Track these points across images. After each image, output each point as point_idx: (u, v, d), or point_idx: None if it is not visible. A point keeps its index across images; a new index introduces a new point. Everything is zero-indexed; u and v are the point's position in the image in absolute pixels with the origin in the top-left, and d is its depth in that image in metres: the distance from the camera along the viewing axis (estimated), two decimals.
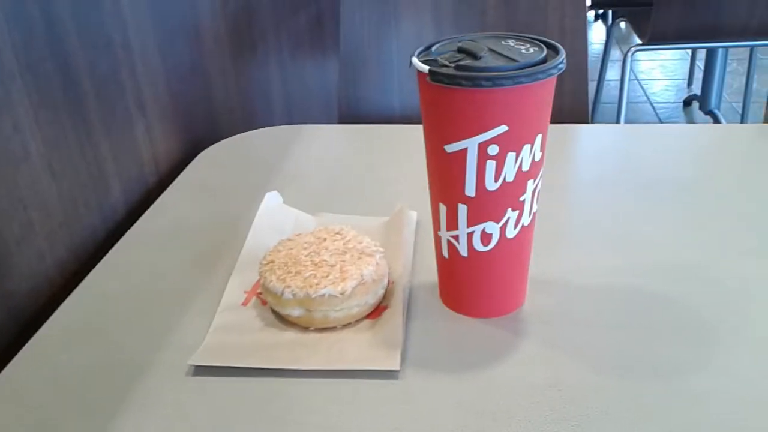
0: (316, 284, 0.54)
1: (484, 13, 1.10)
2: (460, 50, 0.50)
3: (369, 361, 0.52)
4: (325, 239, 0.59)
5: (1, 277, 0.60)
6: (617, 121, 2.15)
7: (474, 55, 0.49)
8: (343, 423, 0.47)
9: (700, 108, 2.75)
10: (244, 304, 0.59)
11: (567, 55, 0.50)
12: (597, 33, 4.00)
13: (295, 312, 0.55)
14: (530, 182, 0.52)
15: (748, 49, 2.57)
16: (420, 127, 0.54)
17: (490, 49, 0.50)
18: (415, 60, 0.50)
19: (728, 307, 0.57)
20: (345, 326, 0.56)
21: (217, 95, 1.04)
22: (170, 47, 0.89)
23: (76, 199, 0.69)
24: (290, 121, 1.37)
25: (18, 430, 0.48)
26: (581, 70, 1.09)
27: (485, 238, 0.53)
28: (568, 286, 0.61)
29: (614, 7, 2.60)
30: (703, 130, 0.93)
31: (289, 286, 0.54)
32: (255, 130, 0.97)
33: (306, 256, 0.57)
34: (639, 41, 2.00)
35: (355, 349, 0.53)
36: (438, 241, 0.56)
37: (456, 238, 0.54)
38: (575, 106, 1.10)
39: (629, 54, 2.03)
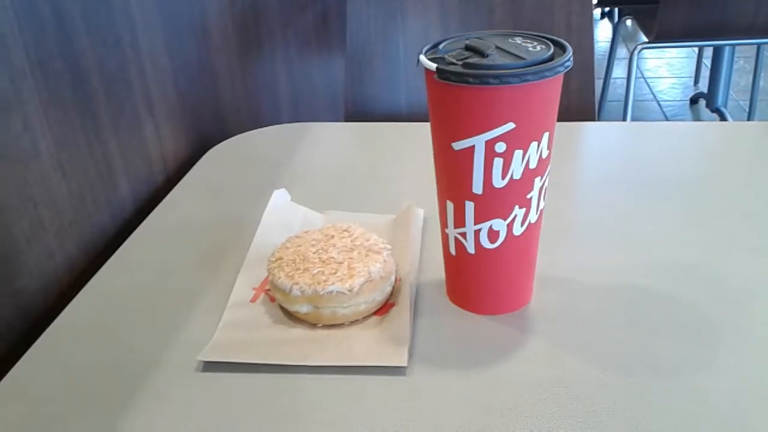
0: (324, 281, 0.54)
1: (490, 10, 1.10)
2: (467, 48, 0.50)
3: (376, 357, 0.52)
4: (333, 236, 0.59)
5: (11, 275, 0.60)
6: (624, 119, 2.15)
7: (481, 53, 0.49)
8: (350, 419, 0.48)
9: (707, 106, 2.74)
10: (253, 300, 0.60)
11: (573, 53, 0.50)
12: (603, 31, 3.99)
13: (303, 309, 0.55)
14: (537, 180, 0.52)
15: (755, 46, 2.56)
16: (427, 124, 0.54)
17: (498, 47, 0.50)
18: (422, 58, 0.50)
19: (733, 305, 0.57)
20: (353, 323, 0.56)
21: (224, 94, 1.04)
22: (178, 46, 0.89)
23: (85, 197, 0.70)
24: (297, 119, 1.38)
25: (27, 427, 0.49)
26: (588, 67, 1.09)
27: (492, 235, 0.53)
28: (575, 284, 0.61)
29: (620, 4, 2.59)
30: (709, 128, 0.93)
31: (297, 283, 0.55)
32: (262, 129, 0.97)
33: (314, 253, 0.57)
34: (645, 39, 2.00)
35: (363, 345, 0.54)
36: (445, 238, 0.56)
37: (463, 235, 0.54)
38: (582, 104, 1.10)
39: (635, 52, 2.02)
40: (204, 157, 0.89)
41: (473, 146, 0.50)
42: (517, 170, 0.50)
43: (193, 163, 0.88)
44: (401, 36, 1.12)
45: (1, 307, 0.59)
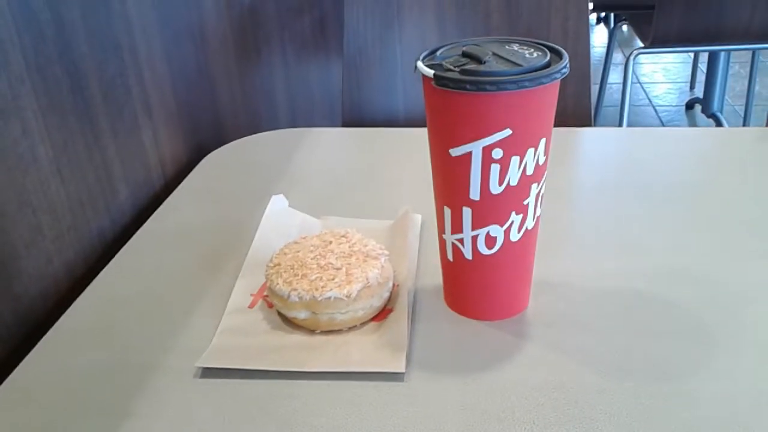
0: (322, 287, 0.55)
1: (487, 16, 1.10)
2: (464, 54, 0.51)
3: (374, 363, 0.52)
4: (330, 242, 0.60)
5: (10, 281, 0.60)
6: (619, 124, 2.16)
7: (478, 60, 0.49)
8: (348, 425, 0.48)
9: (703, 111, 2.75)
10: (251, 306, 0.60)
11: (570, 59, 0.50)
12: (599, 36, 4.01)
13: (301, 314, 0.55)
14: (534, 186, 0.52)
15: (751, 52, 2.57)
16: (424, 130, 0.54)
17: (494, 54, 0.50)
18: (420, 64, 0.50)
19: (730, 310, 0.58)
20: (350, 329, 0.56)
21: (222, 99, 1.04)
22: (176, 51, 0.89)
23: (83, 202, 0.70)
24: (294, 125, 1.38)
25: None
26: (584, 73, 1.10)
27: (490, 241, 0.53)
28: (572, 289, 0.61)
29: (616, 10, 2.60)
30: (705, 133, 0.93)
31: (295, 289, 0.55)
32: (260, 134, 0.97)
33: (312, 259, 0.58)
34: (641, 44, 2.01)
35: (361, 351, 0.54)
36: (443, 244, 0.57)
37: (461, 241, 0.54)
38: (578, 109, 1.11)
39: (631, 57, 2.03)
40: (202, 162, 0.89)
41: (470, 152, 0.50)
42: (514, 176, 0.51)
43: (191, 169, 0.88)
44: (398, 41, 1.12)
45: (0, 312, 0.59)
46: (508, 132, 0.49)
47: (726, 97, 2.85)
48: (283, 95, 1.32)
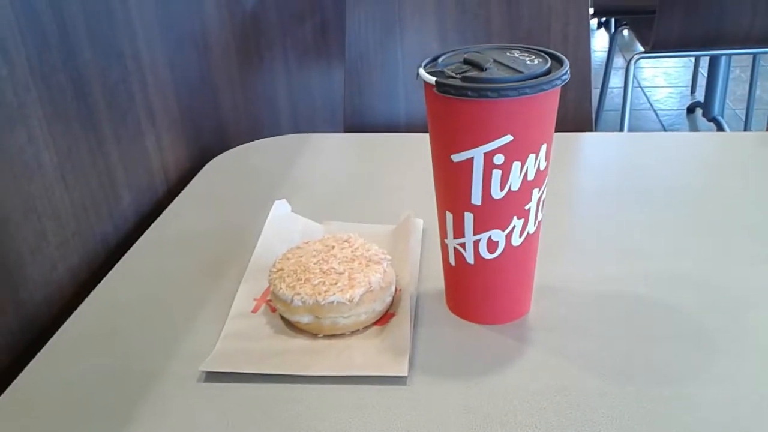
0: (325, 291, 0.55)
1: (488, 21, 1.11)
2: (466, 62, 0.51)
3: (377, 367, 0.53)
4: (333, 247, 0.60)
5: (16, 286, 0.61)
6: (621, 129, 2.16)
7: (480, 67, 0.50)
8: (352, 428, 0.48)
9: (704, 115, 2.75)
10: (254, 311, 0.60)
11: (570, 64, 0.51)
12: (600, 41, 4.01)
13: (304, 319, 0.56)
14: (535, 191, 0.53)
15: (751, 56, 2.57)
16: (425, 135, 0.55)
17: (496, 61, 0.51)
18: (422, 71, 0.51)
19: (731, 314, 0.58)
20: (353, 333, 0.57)
21: (224, 105, 1.05)
22: (179, 58, 0.90)
23: (87, 209, 0.71)
24: (296, 130, 1.38)
25: None
26: (585, 78, 1.10)
27: (491, 245, 0.54)
28: (573, 294, 0.61)
29: (617, 15, 2.61)
30: (706, 138, 0.94)
31: (298, 294, 0.55)
32: (262, 140, 0.98)
33: (315, 263, 0.58)
34: (642, 49, 2.01)
35: (364, 355, 0.54)
36: (444, 248, 0.57)
37: (462, 245, 0.55)
38: (579, 114, 1.11)
39: (632, 61, 2.04)
40: (205, 168, 0.90)
41: (472, 158, 0.50)
42: (515, 182, 0.51)
43: (194, 174, 0.89)
44: (399, 47, 1.13)
45: (6, 318, 0.59)
46: (509, 138, 0.49)
47: (727, 101, 2.85)
48: (285, 101, 1.33)
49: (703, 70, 3.10)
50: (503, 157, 0.50)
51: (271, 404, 0.51)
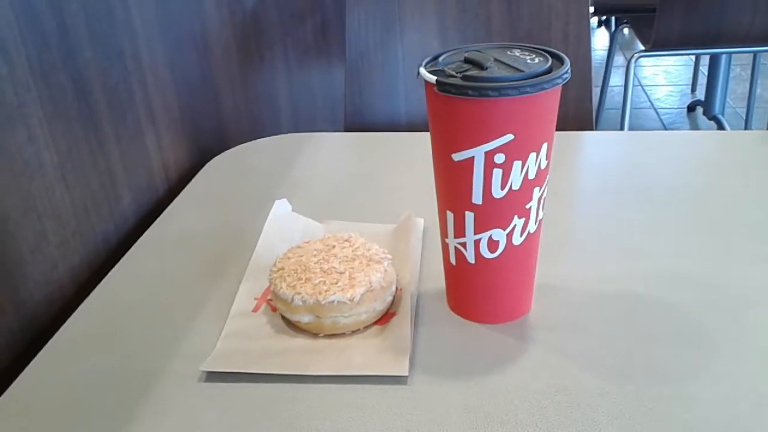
0: (326, 291, 0.55)
1: (488, 19, 1.11)
2: (466, 60, 0.51)
3: (378, 366, 0.53)
4: (334, 246, 0.60)
5: (16, 286, 0.61)
6: (621, 127, 2.16)
7: (480, 66, 0.50)
8: (352, 428, 0.48)
9: (704, 113, 2.75)
10: (255, 310, 0.60)
11: (571, 63, 0.51)
12: (600, 39, 4.01)
13: (304, 318, 0.56)
14: (536, 190, 0.53)
15: (752, 54, 2.57)
16: (426, 134, 0.55)
17: (496, 60, 0.51)
18: (422, 70, 0.51)
19: (731, 314, 0.58)
20: (354, 332, 0.57)
21: (224, 104, 1.05)
22: (179, 58, 0.90)
23: (88, 208, 0.71)
24: (297, 130, 1.38)
25: None
26: (585, 77, 1.10)
27: (492, 245, 0.54)
28: (574, 293, 0.61)
29: (617, 13, 2.61)
30: (707, 136, 0.94)
31: (299, 293, 0.55)
32: (262, 139, 0.98)
33: (315, 263, 0.58)
34: (642, 47, 2.01)
35: (364, 355, 0.54)
36: (445, 248, 0.57)
37: (463, 245, 0.55)
38: (580, 113, 1.11)
39: (633, 60, 2.04)
40: (205, 167, 0.90)
41: (473, 157, 0.50)
42: (516, 181, 0.51)
43: (195, 174, 0.89)
44: (400, 46, 1.13)
45: (6, 317, 0.59)
46: (510, 137, 0.49)
47: (727, 99, 2.85)
48: (285, 100, 1.33)
49: (704, 68, 3.10)
50: (504, 156, 0.50)
51: (271, 404, 0.51)
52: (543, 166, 0.52)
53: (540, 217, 0.55)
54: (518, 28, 1.11)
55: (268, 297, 0.61)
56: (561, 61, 0.51)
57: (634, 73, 2.05)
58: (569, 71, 0.50)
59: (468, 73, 0.49)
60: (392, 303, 0.59)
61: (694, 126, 2.91)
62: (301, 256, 0.59)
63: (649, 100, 3.18)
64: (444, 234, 0.56)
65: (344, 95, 1.15)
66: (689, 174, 0.81)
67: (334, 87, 1.62)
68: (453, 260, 0.57)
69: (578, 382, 0.51)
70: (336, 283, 0.56)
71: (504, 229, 0.53)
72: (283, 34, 1.31)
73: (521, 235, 0.54)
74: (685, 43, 1.93)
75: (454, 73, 0.49)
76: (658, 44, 1.93)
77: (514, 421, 0.48)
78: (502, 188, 0.51)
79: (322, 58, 1.55)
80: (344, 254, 0.59)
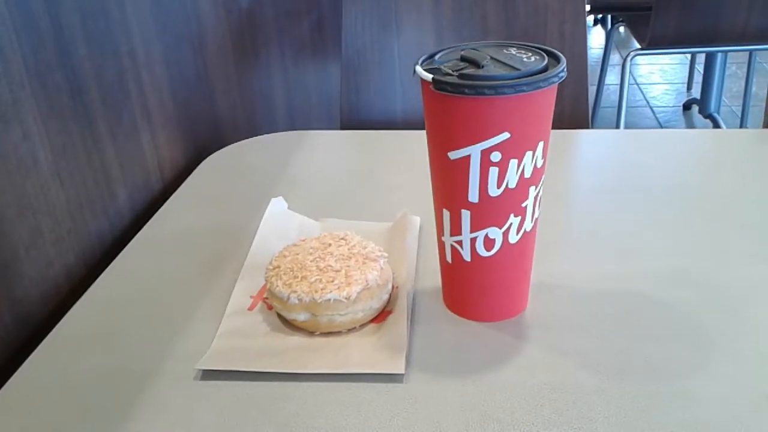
0: (322, 289, 0.55)
1: (484, 18, 1.11)
2: (462, 59, 0.51)
3: (374, 364, 0.53)
4: (330, 244, 0.60)
5: (10, 284, 0.60)
6: (617, 125, 2.16)
7: (477, 64, 0.50)
8: (349, 426, 0.48)
9: (700, 112, 2.76)
10: (251, 308, 0.60)
11: (567, 61, 0.51)
12: (596, 37, 4.01)
13: (300, 316, 0.56)
14: (532, 188, 0.53)
15: (748, 52, 2.58)
16: (422, 132, 0.55)
17: (492, 58, 0.51)
18: (419, 69, 0.51)
19: (727, 311, 0.58)
20: (350, 330, 0.57)
21: (220, 102, 1.05)
22: (174, 55, 0.90)
23: (83, 206, 0.70)
24: (293, 128, 1.38)
25: None
26: (581, 75, 1.10)
27: (488, 243, 0.54)
28: (570, 291, 0.61)
29: (613, 11, 2.61)
30: (702, 135, 0.94)
31: (295, 291, 0.55)
32: (258, 137, 0.98)
33: (311, 261, 0.58)
34: (638, 45, 2.01)
35: (361, 352, 0.54)
36: (441, 246, 0.57)
37: (459, 243, 0.55)
38: (575, 111, 1.11)
39: (628, 58, 2.04)
40: (201, 165, 0.89)
41: (469, 156, 0.50)
42: (512, 179, 0.51)
43: (190, 172, 0.89)
44: (396, 44, 1.13)
45: (1, 315, 0.59)
46: (506, 135, 0.49)
47: (723, 97, 2.86)
48: (281, 98, 1.32)
49: (699, 66, 3.11)
50: (500, 155, 0.50)
51: (267, 402, 0.51)
52: (539, 165, 0.52)
53: (536, 215, 0.55)
54: (514, 27, 1.11)
55: (264, 295, 0.61)
56: (557, 60, 0.51)
57: (630, 72, 2.05)
58: (565, 70, 0.50)
59: (464, 71, 0.49)
60: (388, 301, 0.59)
61: (690, 124, 2.91)
62: (297, 254, 0.59)
63: (645, 99, 3.18)
64: (440, 232, 0.56)
65: (340, 93, 1.15)
66: (685, 172, 0.81)
67: (330, 85, 1.62)
68: (449, 258, 0.57)
69: (574, 380, 0.51)
70: (332, 281, 0.55)
71: (500, 228, 0.53)
72: (278, 32, 1.30)
73: (517, 234, 0.54)
74: (681, 41, 1.93)
75: (450, 71, 0.49)
76: (653, 42, 1.93)
77: (510, 419, 0.48)
78: (499, 186, 0.51)
79: (318, 55, 1.55)
80: (340, 252, 0.59)
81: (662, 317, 0.57)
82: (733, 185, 0.78)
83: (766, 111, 1.01)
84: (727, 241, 0.67)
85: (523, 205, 0.53)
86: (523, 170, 0.51)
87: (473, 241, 0.54)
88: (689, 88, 3.25)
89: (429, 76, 0.49)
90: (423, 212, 0.71)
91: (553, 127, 0.54)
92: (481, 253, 0.54)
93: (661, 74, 3.48)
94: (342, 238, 0.61)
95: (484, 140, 0.49)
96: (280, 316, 0.58)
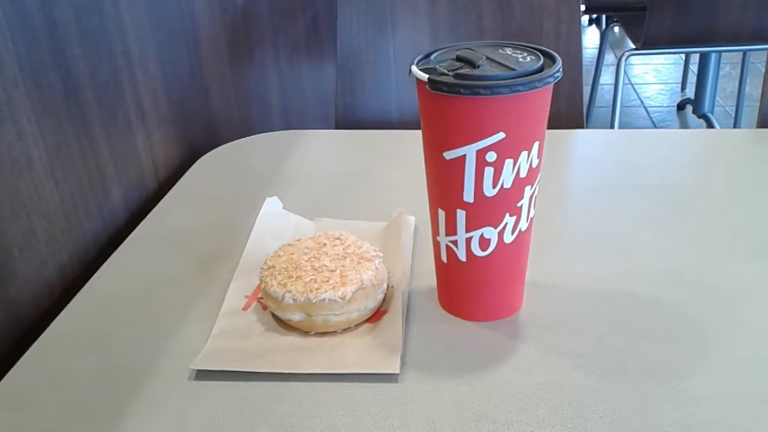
0: (317, 289, 0.55)
1: (479, 18, 1.11)
2: (458, 59, 0.51)
3: (369, 364, 0.53)
4: (325, 244, 0.60)
5: (4, 283, 0.60)
6: (611, 125, 2.17)
7: (472, 64, 0.50)
8: (343, 426, 0.48)
9: (694, 112, 2.76)
10: (245, 308, 0.60)
11: (562, 61, 0.51)
12: (591, 37, 4.02)
13: (295, 316, 0.56)
14: (527, 188, 0.53)
15: (741, 53, 2.58)
16: (417, 132, 0.55)
17: (488, 58, 0.51)
18: (414, 68, 0.51)
19: (722, 311, 0.58)
20: (345, 330, 0.57)
21: (215, 102, 1.04)
22: (169, 54, 0.89)
23: (77, 205, 0.70)
24: (288, 127, 1.38)
25: None
26: (576, 75, 1.10)
27: (483, 243, 0.54)
28: (565, 291, 0.61)
29: (608, 11, 2.61)
30: (696, 135, 0.94)
31: (289, 291, 0.55)
32: (253, 136, 0.97)
33: (306, 261, 0.58)
34: (632, 45, 2.02)
35: (356, 352, 0.54)
36: (437, 246, 0.57)
37: (455, 243, 0.55)
38: (571, 111, 1.11)
39: (623, 58, 2.04)
40: (195, 164, 0.89)
41: (464, 155, 0.50)
42: (507, 179, 0.51)
43: (185, 171, 0.88)
44: (391, 44, 1.13)
45: None
46: (501, 135, 0.49)
47: (717, 98, 2.86)
48: (276, 98, 1.32)
49: (694, 67, 3.11)
50: (496, 155, 0.50)
51: (262, 402, 0.50)
52: (534, 165, 0.52)
53: (531, 215, 0.55)
54: (510, 27, 1.11)
55: (259, 295, 0.61)
56: (552, 60, 0.51)
57: (625, 72, 2.06)
58: (561, 70, 0.50)
59: (460, 71, 0.49)
60: (383, 301, 0.59)
61: (684, 124, 2.92)
62: (292, 254, 0.59)
63: (639, 99, 3.19)
64: (435, 232, 0.56)
65: (335, 93, 1.14)
66: (679, 172, 0.82)
67: (326, 84, 1.61)
68: (444, 258, 0.57)
69: (570, 380, 0.51)
70: (327, 281, 0.55)
71: (495, 227, 0.53)
72: (273, 31, 1.30)
73: (512, 233, 0.54)
74: (675, 41, 1.94)
75: (446, 71, 0.49)
76: (648, 43, 1.94)
77: (505, 418, 0.48)
78: (494, 186, 0.51)
79: (314, 55, 1.55)
80: (335, 252, 0.59)
81: (657, 316, 0.57)
82: (727, 185, 0.78)
83: (760, 111, 1.01)
84: (721, 240, 0.68)
85: (519, 204, 0.53)
86: (518, 170, 0.51)
87: (468, 240, 0.54)
88: (683, 88, 3.26)
89: (425, 76, 0.49)
90: (418, 212, 0.71)
91: (549, 127, 0.54)
92: (476, 253, 0.54)
93: (655, 74, 3.49)
94: (337, 238, 0.61)
95: (479, 140, 0.49)
96: (274, 316, 0.58)
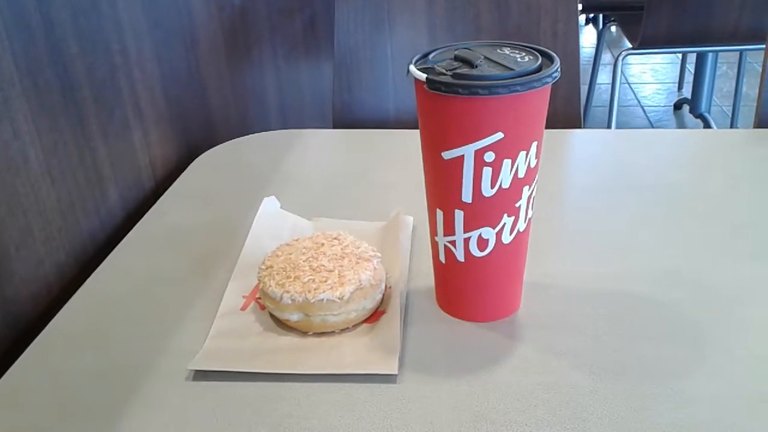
0: (315, 289, 0.55)
1: (477, 17, 1.11)
2: (456, 58, 0.51)
3: (367, 365, 0.53)
4: (323, 244, 0.60)
5: (1, 283, 0.60)
6: (608, 125, 2.17)
7: (470, 64, 0.50)
8: (342, 426, 0.48)
9: (691, 111, 2.77)
10: (243, 308, 0.60)
11: (560, 60, 0.51)
12: (588, 37, 4.02)
13: (293, 317, 0.55)
14: (526, 188, 0.52)
15: (738, 52, 2.58)
16: (415, 132, 0.55)
17: (486, 58, 0.51)
18: (412, 68, 0.50)
19: (720, 311, 0.58)
20: (343, 331, 0.57)
21: (212, 100, 1.04)
22: (166, 53, 0.89)
23: (74, 205, 0.70)
24: (285, 126, 1.38)
25: None
26: (574, 74, 1.10)
27: (481, 243, 0.54)
28: (563, 291, 0.61)
29: (605, 11, 2.62)
30: (693, 135, 0.94)
31: (287, 291, 0.55)
32: (251, 135, 0.97)
33: (304, 261, 0.58)
34: (630, 45, 2.02)
35: (354, 353, 0.54)
36: (435, 246, 0.57)
37: (453, 243, 0.55)
38: (568, 111, 1.11)
39: (620, 58, 2.04)
40: (193, 164, 0.89)
41: (462, 156, 0.50)
42: (505, 179, 0.51)
43: (182, 170, 0.88)
44: (389, 43, 1.13)
45: None
46: (500, 135, 0.49)
47: (714, 97, 2.87)
48: (273, 96, 1.32)
49: (690, 66, 3.12)
50: (494, 155, 0.50)
51: (260, 402, 0.50)
52: (533, 165, 0.52)
53: (529, 215, 0.55)
54: (507, 26, 1.11)
55: (257, 295, 0.61)
56: (550, 60, 0.51)
57: (622, 71, 2.06)
58: (559, 70, 0.50)
59: (458, 71, 0.49)
60: (381, 301, 0.59)
61: (681, 124, 2.92)
62: (290, 254, 0.59)
63: (636, 98, 3.19)
64: (433, 232, 0.56)
65: (333, 92, 1.14)
66: (676, 172, 0.82)
67: (323, 83, 1.61)
68: (442, 258, 0.57)
69: (568, 380, 0.51)
70: (325, 281, 0.55)
71: (494, 228, 0.53)
72: (271, 30, 1.30)
73: (511, 234, 0.54)
74: (672, 41, 1.94)
75: (444, 71, 0.49)
76: (645, 42, 1.94)
77: (503, 419, 0.48)
78: (492, 187, 0.51)
79: (311, 53, 1.55)
80: (333, 252, 0.59)
81: (655, 317, 0.58)
82: (724, 185, 0.78)
83: (757, 111, 1.01)
84: (718, 240, 0.68)
85: (517, 205, 0.53)
86: (516, 170, 0.51)
87: (467, 241, 0.54)
88: (680, 87, 3.26)
89: (423, 76, 0.49)
90: (416, 212, 0.71)
91: (546, 127, 0.54)
92: (474, 253, 0.54)
93: (652, 74, 3.49)
94: (335, 238, 0.61)
95: (477, 140, 0.49)
96: (272, 316, 0.58)
